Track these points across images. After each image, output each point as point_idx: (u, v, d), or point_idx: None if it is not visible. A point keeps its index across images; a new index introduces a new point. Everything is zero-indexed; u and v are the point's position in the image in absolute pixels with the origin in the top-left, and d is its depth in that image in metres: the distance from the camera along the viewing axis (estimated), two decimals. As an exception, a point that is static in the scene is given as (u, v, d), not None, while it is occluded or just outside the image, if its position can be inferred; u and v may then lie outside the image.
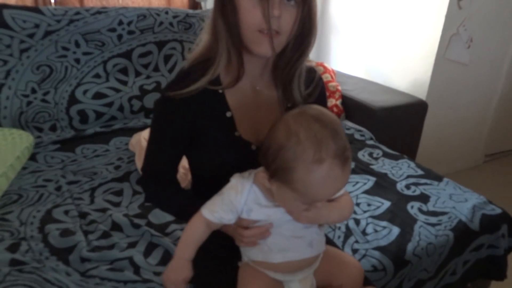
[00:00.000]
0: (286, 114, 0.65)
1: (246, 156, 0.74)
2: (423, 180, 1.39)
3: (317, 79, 0.83)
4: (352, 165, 1.46)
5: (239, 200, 0.68)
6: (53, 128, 1.63)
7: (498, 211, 1.24)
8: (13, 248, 0.98)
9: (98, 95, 1.70)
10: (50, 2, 1.90)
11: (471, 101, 2.27)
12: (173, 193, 0.82)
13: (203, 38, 0.77)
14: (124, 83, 1.78)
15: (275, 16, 0.66)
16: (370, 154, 1.58)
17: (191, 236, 0.71)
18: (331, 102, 1.95)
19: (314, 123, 0.61)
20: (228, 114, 0.76)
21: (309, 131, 0.60)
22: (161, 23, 1.85)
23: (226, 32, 0.71)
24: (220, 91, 0.76)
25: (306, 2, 0.70)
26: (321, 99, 0.84)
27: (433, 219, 1.18)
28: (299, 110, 0.64)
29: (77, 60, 1.69)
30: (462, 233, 1.16)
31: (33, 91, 1.62)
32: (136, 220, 1.11)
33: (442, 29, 1.91)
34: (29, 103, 1.60)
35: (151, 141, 0.80)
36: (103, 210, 1.16)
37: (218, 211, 0.69)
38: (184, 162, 1.30)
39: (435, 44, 1.95)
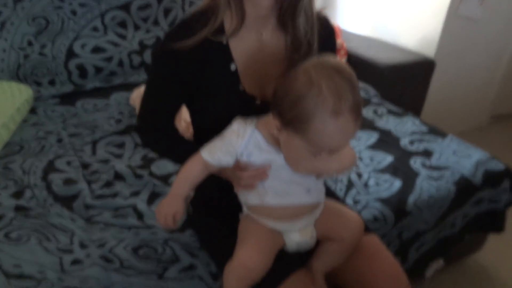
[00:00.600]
0: (305, 63, 0.63)
1: (249, 111, 0.72)
2: (427, 137, 1.38)
3: (328, 32, 0.80)
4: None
5: (240, 143, 0.67)
6: (52, 83, 1.60)
7: (501, 166, 1.24)
8: (17, 195, 0.99)
9: (96, 49, 1.66)
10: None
11: (480, 61, 2.21)
12: (171, 140, 0.81)
13: None
14: (123, 37, 1.72)
15: None
16: (375, 111, 1.55)
17: (187, 174, 0.71)
18: (336, 59, 1.90)
19: (336, 74, 0.60)
20: (233, 67, 0.73)
21: (331, 82, 0.59)
22: (160, -27, 1.77)
23: None
24: (224, 42, 0.72)
25: None
26: (330, 48, 0.80)
27: (435, 173, 1.18)
28: (320, 60, 0.63)
29: (74, 12, 1.64)
30: (464, 187, 1.16)
31: (30, 44, 1.57)
32: (139, 171, 1.11)
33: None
34: (26, 56, 1.56)
35: (148, 91, 0.78)
36: (106, 161, 1.16)
37: (217, 153, 0.68)
38: (186, 115, 1.29)
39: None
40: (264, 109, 0.71)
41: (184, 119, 1.31)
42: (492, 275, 1.41)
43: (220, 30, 0.71)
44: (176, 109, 0.79)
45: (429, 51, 1.97)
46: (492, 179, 1.21)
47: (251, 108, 0.73)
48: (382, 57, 1.82)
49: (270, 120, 0.65)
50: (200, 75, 0.72)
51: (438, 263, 1.29)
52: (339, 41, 1.94)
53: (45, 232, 0.87)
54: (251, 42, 0.75)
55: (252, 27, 0.74)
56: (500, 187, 1.22)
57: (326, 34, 0.79)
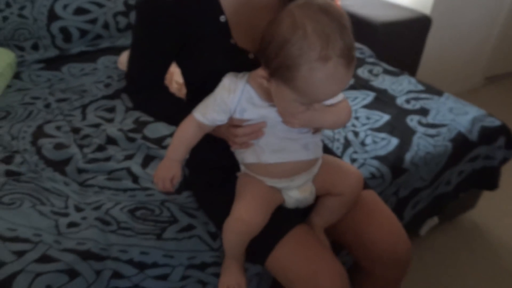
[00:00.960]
0: (290, 4, 0.58)
1: (242, 65, 0.68)
2: (423, 95, 1.36)
3: None
4: (352, 81, 1.42)
5: (232, 99, 0.65)
6: (35, 47, 1.52)
7: (497, 123, 1.24)
8: (7, 160, 0.96)
9: (79, 11, 1.57)
10: None
11: (476, 19, 2.16)
12: (162, 99, 0.78)
13: None
14: (107, -4, 1.64)
15: None
16: (370, 71, 1.52)
17: (182, 138, 0.69)
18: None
19: (322, 15, 0.54)
20: (222, 18, 0.69)
21: (317, 24, 0.54)
22: None
23: None
24: None
25: None
26: None
27: (432, 131, 1.17)
28: (305, 0, 0.57)
29: (53, -30, 1.54)
30: (460, 144, 1.16)
31: (8, 5, 1.48)
32: (131, 134, 1.08)
33: None
34: (5, 18, 1.47)
35: (135, 47, 0.73)
36: (96, 126, 1.13)
37: (210, 112, 0.66)
38: (177, 77, 1.25)
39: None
40: (258, 63, 0.67)
41: (175, 80, 1.27)
42: (485, 232, 1.45)
43: None
44: (166, 66, 0.75)
45: (425, 7, 1.92)
46: (488, 135, 1.21)
47: (244, 62, 0.69)
48: (377, 15, 1.76)
49: (261, 72, 0.61)
50: (188, 28, 0.68)
51: (433, 221, 1.32)
52: (333, -1, 1.88)
53: (39, 196, 0.85)
54: None
55: None
56: (495, 144, 1.23)
57: None
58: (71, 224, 0.80)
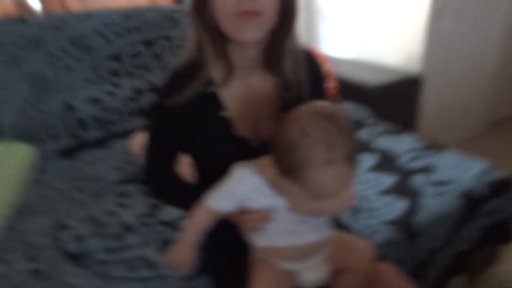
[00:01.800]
0: (296, 111, 0.64)
1: (246, 153, 0.73)
2: (425, 152, 1.40)
3: (314, 66, 0.82)
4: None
5: (242, 189, 0.69)
6: (52, 138, 1.62)
7: (503, 175, 1.25)
8: (28, 257, 0.98)
9: (93, 100, 1.70)
10: (32, 11, 1.87)
11: (467, 70, 2.27)
12: (175, 185, 0.83)
13: (190, 39, 0.75)
14: (117, 85, 1.77)
15: None
16: (371, 132, 1.58)
17: (195, 225, 0.72)
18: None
19: (328, 122, 0.60)
20: (224, 113, 0.75)
21: (322, 132, 0.59)
22: (147, 21, 1.84)
23: (205, 28, 0.70)
24: (214, 91, 0.75)
25: None
26: (318, 85, 0.83)
27: (439, 189, 1.19)
28: (311, 108, 0.63)
29: (68, 66, 1.68)
30: (469, 200, 1.17)
31: (27, 101, 1.60)
32: (146, 219, 1.12)
33: (430, 1, 1.91)
34: (24, 114, 1.59)
35: (150, 142, 0.81)
36: (112, 213, 1.17)
37: (220, 201, 0.70)
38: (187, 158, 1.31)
39: (424, 17, 1.95)
40: (259, 150, 0.72)
41: (185, 161, 1.33)
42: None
43: (209, 80, 0.74)
44: (175, 156, 0.81)
45: (415, 67, 2.03)
46: (495, 189, 1.22)
47: (246, 150, 0.75)
48: (370, 79, 1.87)
49: (270, 164, 0.66)
50: (193, 126, 0.75)
51: (460, 279, 1.28)
52: (327, 67, 2.00)
53: (60, 294, 0.87)
54: (240, 88, 0.76)
55: (240, 74, 0.76)
56: (504, 197, 1.24)
57: (313, 68, 0.81)
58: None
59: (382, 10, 2.12)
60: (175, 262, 0.71)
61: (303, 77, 0.77)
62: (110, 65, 1.76)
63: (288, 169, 0.61)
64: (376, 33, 2.19)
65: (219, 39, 0.70)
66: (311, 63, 0.81)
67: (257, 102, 0.77)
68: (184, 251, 0.71)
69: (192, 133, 0.75)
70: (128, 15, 1.80)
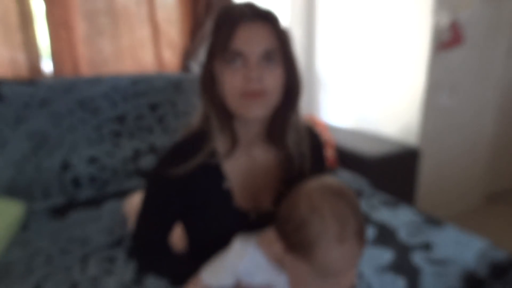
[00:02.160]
0: (305, 186, 0.64)
1: (243, 226, 0.72)
2: (424, 226, 1.36)
3: (316, 140, 0.83)
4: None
5: (241, 263, 0.66)
6: (44, 195, 1.60)
7: (505, 255, 1.20)
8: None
9: (92, 160, 1.71)
10: (44, 74, 1.97)
11: (463, 144, 2.30)
12: (167, 259, 0.79)
13: (196, 113, 0.77)
14: (118, 145, 1.79)
15: (253, 78, 0.66)
16: (368, 203, 1.56)
17: None
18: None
19: (338, 199, 0.60)
20: (226, 185, 0.75)
21: (334, 208, 0.59)
22: (154, 87, 1.92)
23: (212, 103, 0.72)
24: (218, 164, 0.75)
25: (287, 59, 0.71)
26: (320, 158, 0.84)
27: (439, 269, 1.14)
28: (321, 184, 0.64)
29: (72, 127, 1.72)
30: (471, 282, 1.11)
31: (26, 159, 1.62)
32: (132, 287, 1.06)
33: (425, 77, 2.00)
34: (21, 171, 1.59)
35: (143, 213, 0.78)
36: (95, 279, 1.11)
37: (218, 276, 0.67)
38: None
39: (420, 92, 2.03)
40: (258, 223, 0.71)
41: (176, 230, 1.30)
42: None
43: (213, 152, 0.74)
44: (170, 228, 0.78)
45: (412, 139, 2.07)
46: (497, 270, 1.16)
47: (246, 223, 0.73)
48: (368, 150, 1.89)
49: (272, 240, 0.63)
50: (193, 197, 0.74)
51: None
52: (327, 135, 2.04)
53: None
54: (243, 160, 0.77)
55: (243, 147, 0.77)
56: (507, 278, 1.17)
57: (315, 142, 0.83)
58: None
59: (381, 83, 2.22)
60: None
61: (306, 151, 0.78)
62: (113, 126, 1.80)
63: (296, 245, 0.60)
64: (375, 104, 2.27)
65: (225, 114, 0.72)
66: (313, 137, 0.83)
67: (259, 174, 0.78)
68: None
69: (190, 204, 0.74)
70: (136, 81, 1.89)
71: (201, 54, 2.15)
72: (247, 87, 0.67)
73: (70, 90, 1.73)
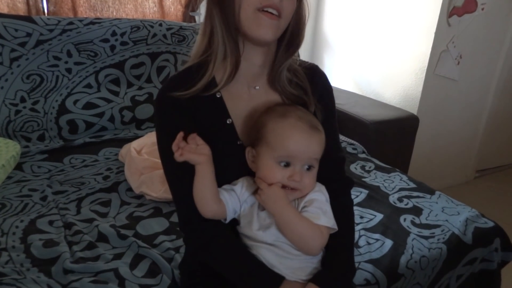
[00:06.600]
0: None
1: (247, 163, 0.73)
2: (415, 193, 1.38)
3: (319, 75, 0.83)
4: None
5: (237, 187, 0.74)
6: (41, 138, 1.60)
7: (490, 224, 1.24)
8: (-7, 258, 0.94)
9: (88, 105, 1.69)
10: (43, 12, 1.90)
11: (462, 117, 2.30)
12: (224, 243, 0.73)
13: (198, 38, 0.75)
14: (116, 93, 1.76)
15: None
16: (363, 167, 1.57)
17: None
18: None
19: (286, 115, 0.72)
20: (229, 121, 0.75)
21: (279, 110, 0.73)
22: (154, 34, 1.86)
23: (222, 19, 0.69)
24: (218, 95, 0.74)
25: None
26: (326, 95, 0.83)
27: (426, 232, 1.17)
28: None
29: (69, 70, 1.68)
30: (455, 246, 1.15)
31: (22, 100, 1.59)
32: (123, 231, 1.08)
33: (432, 45, 1.95)
34: (17, 112, 1.57)
35: (165, 159, 0.73)
36: (89, 221, 1.13)
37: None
38: (135, 144, 1.30)
39: (425, 60, 1.98)
40: None
41: (133, 147, 1.38)
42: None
43: (212, 83, 0.74)
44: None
45: (413, 107, 2.05)
46: (482, 237, 1.19)
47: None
48: (368, 114, 1.87)
49: (249, 150, 0.73)
50: (199, 126, 0.72)
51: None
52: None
53: (19, 301, 0.82)
54: (244, 96, 0.77)
55: (244, 83, 0.76)
56: (491, 246, 1.21)
57: (321, 80, 0.82)
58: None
59: (386, 49, 2.17)
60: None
61: (307, 88, 0.78)
62: (111, 73, 1.76)
63: (255, 134, 0.71)
64: (379, 70, 2.23)
65: (232, 35, 0.70)
66: (318, 74, 0.83)
67: (260, 110, 0.77)
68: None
69: (196, 131, 0.71)
70: (137, 26, 1.82)
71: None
72: (267, 1, 0.66)
73: (68, 31, 1.67)
